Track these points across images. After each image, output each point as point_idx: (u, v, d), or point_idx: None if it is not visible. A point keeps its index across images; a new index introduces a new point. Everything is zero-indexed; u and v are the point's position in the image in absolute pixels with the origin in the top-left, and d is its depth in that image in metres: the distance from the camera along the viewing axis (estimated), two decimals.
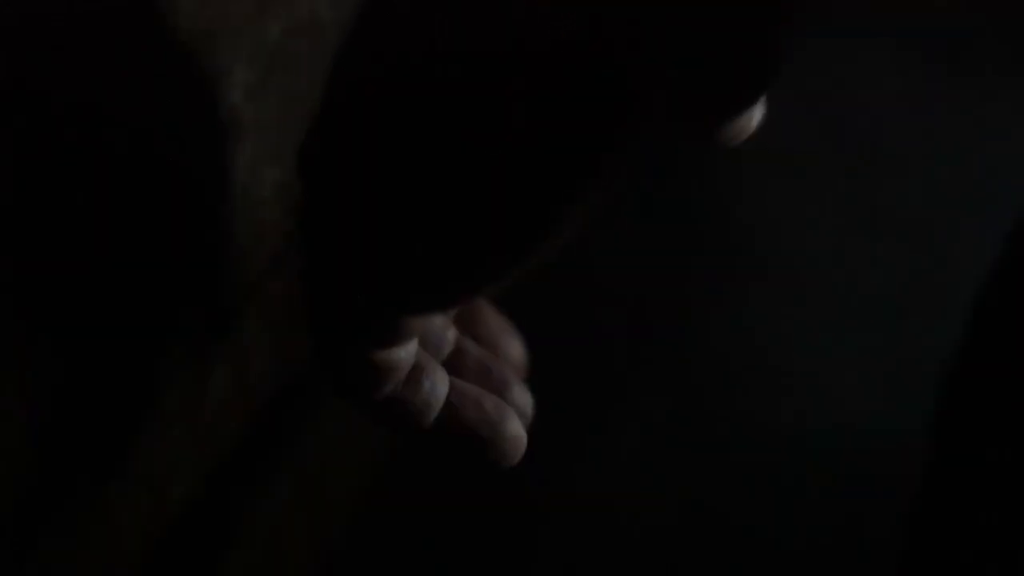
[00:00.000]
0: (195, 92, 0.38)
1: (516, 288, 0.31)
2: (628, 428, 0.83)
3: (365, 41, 0.25)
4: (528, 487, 0.78)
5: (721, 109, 0.24)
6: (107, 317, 0.37)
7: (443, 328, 0.33)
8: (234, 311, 0.46)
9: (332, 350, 0.30)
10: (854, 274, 0.95)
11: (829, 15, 1.05)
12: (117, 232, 0.36)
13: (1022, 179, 0.99)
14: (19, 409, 0.33)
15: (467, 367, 0.33)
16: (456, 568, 0.75)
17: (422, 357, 0.31)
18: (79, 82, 0.32)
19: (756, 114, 0.27)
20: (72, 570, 0.38)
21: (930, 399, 0.49)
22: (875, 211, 1.00)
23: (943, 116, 1.07)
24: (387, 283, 0.27)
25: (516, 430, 0.31)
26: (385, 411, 0.31)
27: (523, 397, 0.34)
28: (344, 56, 0.26)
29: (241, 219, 0.45)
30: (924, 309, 0.91)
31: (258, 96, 0.43)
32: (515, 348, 0.35)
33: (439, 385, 0.31)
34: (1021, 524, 0.41)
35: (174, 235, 0.40)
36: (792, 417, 0.84)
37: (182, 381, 0.42)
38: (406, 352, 0.30)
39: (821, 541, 0.77)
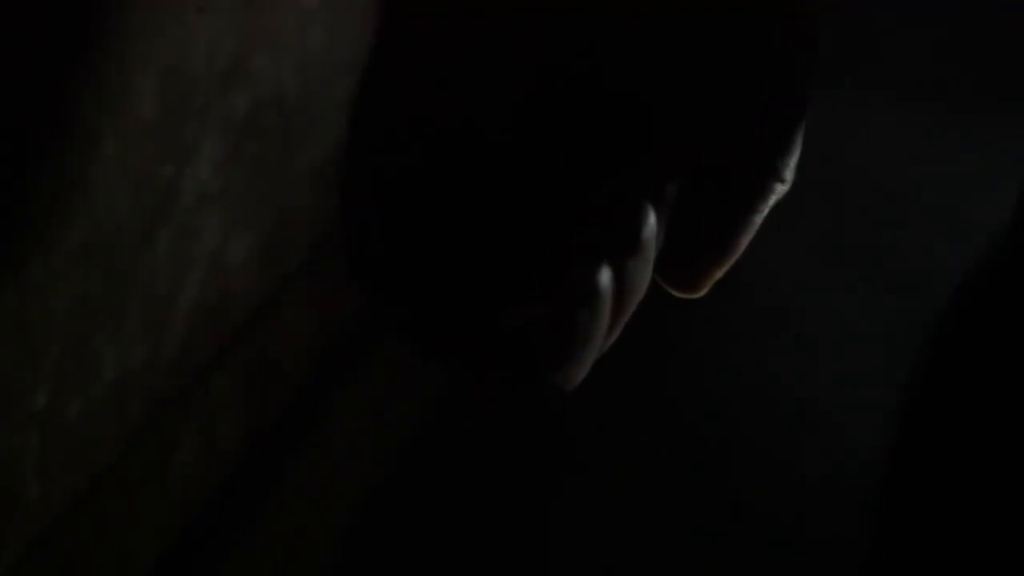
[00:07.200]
0: (160, 166, 0.39)
1: None
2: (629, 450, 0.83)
3: (390, 117, 0.25)
4: (529, 498, 0.78)
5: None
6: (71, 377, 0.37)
7: None
8: (203, 376, 0.47)
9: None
10: (844, 315, 0.95)
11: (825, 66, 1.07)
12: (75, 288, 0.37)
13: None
14: None
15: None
16: None
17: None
18: (44, 141, 0.33)
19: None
20: None
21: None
22: (866, 254, 1.01)
23: (937, 161, 1.08)
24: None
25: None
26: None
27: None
28: (369, 139, 0.26)
29: (210, 286, 0.46)
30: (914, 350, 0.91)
31: (227, 168, 0.44)
32: None
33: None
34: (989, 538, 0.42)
35: (142, 301, 0.40)
36: (787, 453, 0.84)
37: (145, 449, 0.43)
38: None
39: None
